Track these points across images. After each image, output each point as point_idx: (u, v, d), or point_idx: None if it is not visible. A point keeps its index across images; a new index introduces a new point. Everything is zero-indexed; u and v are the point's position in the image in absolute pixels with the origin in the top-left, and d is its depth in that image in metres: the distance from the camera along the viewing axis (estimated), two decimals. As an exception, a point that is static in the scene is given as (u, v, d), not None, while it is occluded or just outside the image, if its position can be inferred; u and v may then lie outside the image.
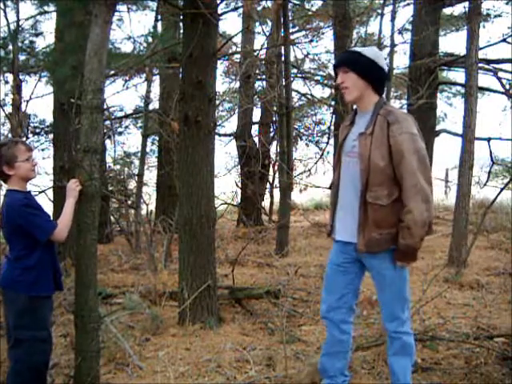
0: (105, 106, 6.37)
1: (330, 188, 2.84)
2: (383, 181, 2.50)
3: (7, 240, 2.71)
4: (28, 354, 2.60)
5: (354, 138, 2.62)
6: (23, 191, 2.70)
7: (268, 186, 11.36)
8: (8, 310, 2.68)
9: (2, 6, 8.39)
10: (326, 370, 2.89)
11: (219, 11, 4.33)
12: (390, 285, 2.62)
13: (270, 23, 10.62)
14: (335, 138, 8.85)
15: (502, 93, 9.09)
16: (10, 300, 2.65)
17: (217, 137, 9.43)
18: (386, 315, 2.68)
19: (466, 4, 7.38)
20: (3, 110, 8.62)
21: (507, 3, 9.81)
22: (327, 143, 11.11)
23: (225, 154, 12.84)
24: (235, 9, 8.51)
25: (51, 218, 2.69)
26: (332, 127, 9.91)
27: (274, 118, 10.47)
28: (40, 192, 6.10)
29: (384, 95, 2.70)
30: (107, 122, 8.69)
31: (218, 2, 4.29)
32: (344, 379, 2.88)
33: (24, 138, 8.81)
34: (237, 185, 10.89)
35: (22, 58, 9.53)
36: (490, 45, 8.78)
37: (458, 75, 16.14)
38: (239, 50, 10.84)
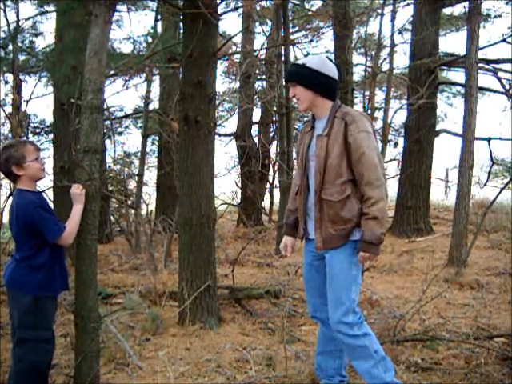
0: (105, 106, 6.37)
1: (296, 194, 2.85)
2: (336, 178, 2.60)
3: (15, 239, 2.69)
4: (31, 353, 2.59)
5: (315, 142, 2.71)
6: (34, 191, 2.68)
7: (268, 185, 11.36)
8: (13, 309, 2.67)
9: (2, 6, 8.40)
10: (322, 370, 2.89)
11: (219, 11, 4.33)
12: (337, 274, 2.63)
13: (269, 23, 10.63)
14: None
15: (502, 93, 9.08)
16: (15, 299, 2.63)
17: (217, 137, 9.43)
18: (330, 306, 2.66)
19: (466, 4, 7.36)
20: (3, 110, 8.63)
21: (507, 3, 9.82)
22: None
23: (225, 154, 12.90)
24: (235, 9, 8.53)
25: (60, 221, 2.66)
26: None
27: (274, 118, 10.46)
28: (40, 192, 6.09)
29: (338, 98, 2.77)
30: (107, 122, 8.68)
31: (218, 2, 4.29)
32: (341, 379, 2.88)
33: (24, 138, 8.81)
34: (237, 185, 10.89)
35: (21, 58, 9.56)
36: (490, 45, 8.76)
37: (457, 75, 16.13)
38: (239, 50, 10.83)
